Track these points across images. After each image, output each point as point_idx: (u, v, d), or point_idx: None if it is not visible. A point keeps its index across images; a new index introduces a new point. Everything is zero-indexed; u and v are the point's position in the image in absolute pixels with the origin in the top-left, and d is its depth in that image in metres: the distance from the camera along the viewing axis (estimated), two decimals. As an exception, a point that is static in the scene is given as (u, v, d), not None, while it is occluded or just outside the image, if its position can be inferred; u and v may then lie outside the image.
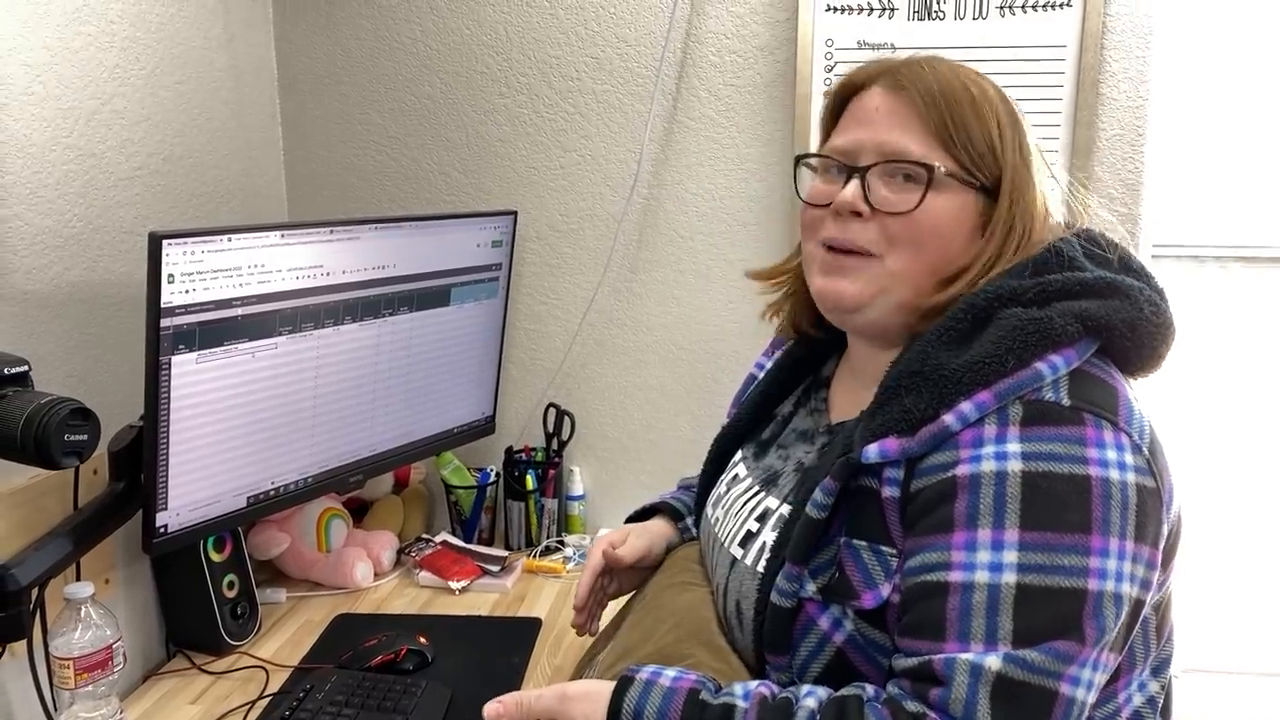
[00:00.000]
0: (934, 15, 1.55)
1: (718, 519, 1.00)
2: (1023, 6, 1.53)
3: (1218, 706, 1.82)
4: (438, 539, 1.69)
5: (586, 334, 1.74)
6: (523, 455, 1.75)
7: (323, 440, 1.41)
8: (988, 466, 0.74)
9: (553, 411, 1.74)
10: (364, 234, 1.37)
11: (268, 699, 1.25)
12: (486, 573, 1.59)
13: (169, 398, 1.16)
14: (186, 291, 1.14)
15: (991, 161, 0.83)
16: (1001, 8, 1.53)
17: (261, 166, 1.69)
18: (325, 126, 1.75)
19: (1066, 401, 0.75)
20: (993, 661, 0.70)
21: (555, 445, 1.74)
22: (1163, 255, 1.84)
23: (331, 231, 1.32)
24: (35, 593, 1.09)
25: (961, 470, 0.75)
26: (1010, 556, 0.72)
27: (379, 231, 1.39)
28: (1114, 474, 0.73)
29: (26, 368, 0.99)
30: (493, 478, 1.74)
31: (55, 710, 1.11)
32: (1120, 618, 0.72)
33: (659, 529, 1.17)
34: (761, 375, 1.09)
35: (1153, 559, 0.74)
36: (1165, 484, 0.77)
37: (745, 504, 0.96)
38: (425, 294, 1.51)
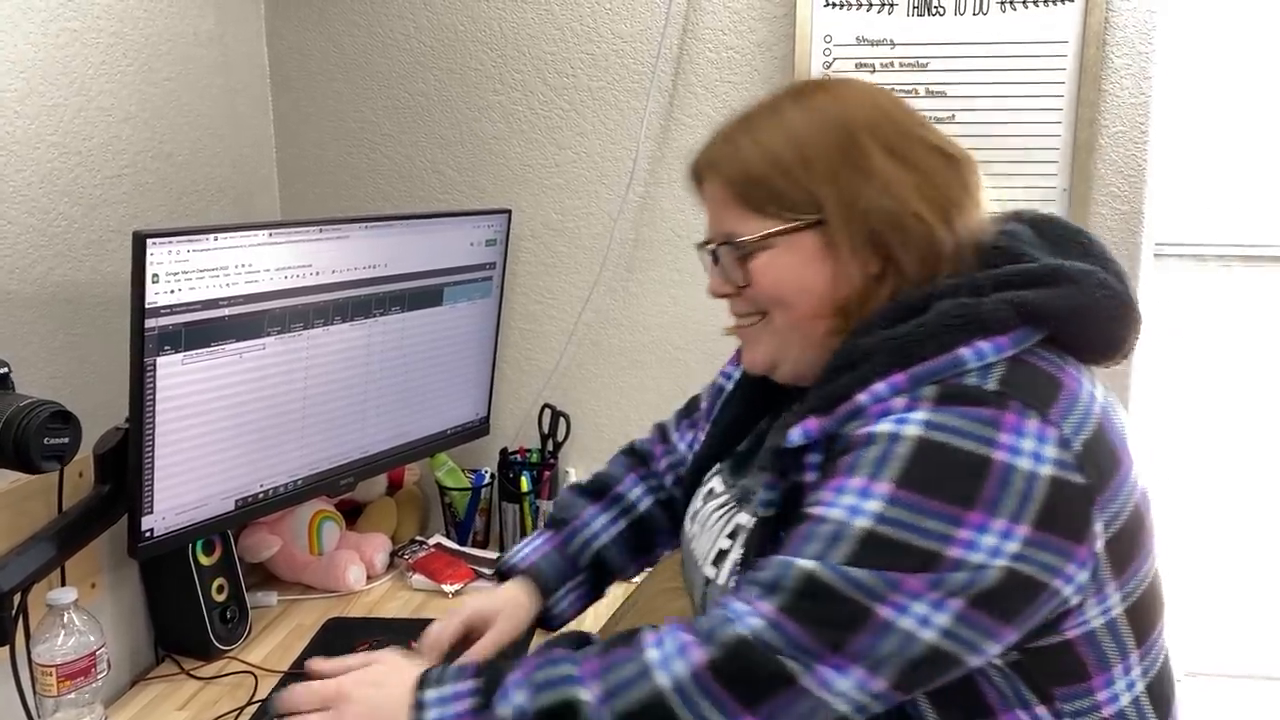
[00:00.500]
0: (934, 11, 1.53)
1: (694, 535, 0.98)
2: (1024, 1, 1.51)
3: (1220, 711, 1.80)
4: (431, 541, 1.67)
5: (582, 334, 1.72)
6: (518, 457, 1.73)
7: (313, 442, 1.40)
8: (884, 427, 0.74)
9: (548, 412, 1.72)
10: (354, 233, 1.35)
11: (256, 705, 1.24)
12: (480, 575, 1.57)
13: (154, 399, 1.14)
14: (172, 291, 1.12)
15: (810, 200, 0.83)
16: (1002, 2, 1.51)
17: (253, 164, 1.67)
18: (318, 124, 1.73)
19: (992, 386, 0.74)
20: (809, 563, 0.72)
21: (550, 446, 1.72)
22: (1165, 254, 1.82)
23: (320, 230, 1.30)
24: (18, 598, 1.07)
25: (860, 431, 0.76)
26: (872, 505, 0.72)
27: (369, 230, 1.37)
28: (1023, 463, 0.71)
29: (5, 369, 0.97)
30: (487, 479, 1.73)
31: (39, 718, 1.09)
32: (983, 586, 0.70)
33: (523, 610, 1.06)
34: (730, 385, 1.06)
35: (1067, 550, 0.73)
36: (1104, 483, 0.75)
37: (719, 520, 0.94)
38: (417, 294, 1.49)
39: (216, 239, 1.15)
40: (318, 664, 0.90)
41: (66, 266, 1.23)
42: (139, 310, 1.09)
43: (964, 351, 0.75)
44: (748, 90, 1.61)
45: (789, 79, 1.58)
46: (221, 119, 1.57)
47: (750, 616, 0.73)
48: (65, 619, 1.05)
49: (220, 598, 1.37)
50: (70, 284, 1.23)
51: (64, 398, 1.05)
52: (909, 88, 1.56)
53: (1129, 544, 0.77)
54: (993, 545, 0.70)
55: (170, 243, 1.10)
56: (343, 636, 1.39)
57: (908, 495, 0.72)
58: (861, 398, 0.77)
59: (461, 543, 1.70)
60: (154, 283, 1.09)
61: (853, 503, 0.73)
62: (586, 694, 0.75)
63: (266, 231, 1.22)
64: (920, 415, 0.73)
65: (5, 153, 1.13)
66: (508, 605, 1.05)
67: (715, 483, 0.99)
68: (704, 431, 1.06)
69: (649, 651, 0.75)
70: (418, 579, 1.58)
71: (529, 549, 1.11)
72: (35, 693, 1.07)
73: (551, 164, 1.68)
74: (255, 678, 1.30)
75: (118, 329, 1.27)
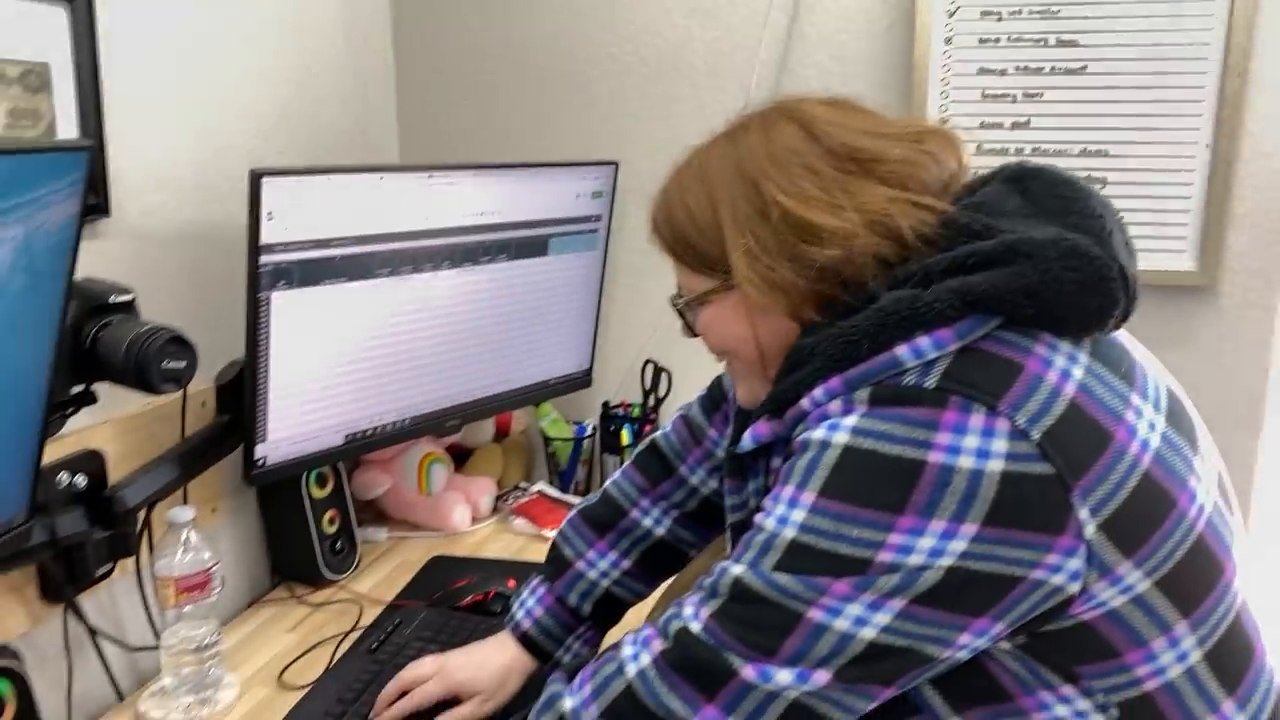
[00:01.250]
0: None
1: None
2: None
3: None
4: (534, 488, 1.71)
5: (688, 289, 1.71)
6: (619, 410, 1.74)
7: (420, 383, 1.44)
8: (818, 434, 0.73)
9: (650, 368, 1.72)
10: (463, 180, 1.37)
11: (360, 631, 1.29)
12: (579, 524, 1.59)
13: (268, 333, 1.19)
14: (286, 229, 1.17)
15: (727, 260, 0.83)
16: (1144, -56, 1.41)
17: (374, 116, 1.72)
18: (437, 77, 1.76)
19: (932, 384, 0.70)
20: (740, 569, 0.74)
21: (652, 402, 1.73)
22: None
23: (430, 176, 1.33)
24: (142, 515, 1.15)
25: (800, 437, 0.75)
26: (798, 515, 0.72)
27: (478, 177, 1.40)
28: (964, 461, 0.68)
29: (131, 296, 1.04)
30: (589, 431, 1.75)
31: (159, 626, 1.16)
32: (927, 585, 0.68)
33: (506, 689, 1.07)
34: None
35: (1039, 542, 0.68)
36: (1082, 466, 0.69)
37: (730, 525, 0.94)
38: (523, 243, 1.51)
39: (330, 179, 1.19)
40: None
41: (193, 207, 1.29)
42: (254, 246, 1.14)
43: (901, 350, 0.72)
44: (865, 41, 1.56)
45: (910, 26, 1.52)
46: (344, 72, 1.62)
47: (692, 620, 0.76)
48: (184, 536, 1.12)
49: (331, 529, 1.43)
50: (197, 223, 1.30)
51: (189, 330, 1.11)
52: (1038, 37, 1.48)
53: (1138, 520, 0.71)
54: (932, 546, 0.68)
55: (284, 181, 1.14)
56: (446, 573, 1.43)
57: (831, 505, 0.71)
58: (804, 402, 0.77)
59: (563, 491, 1.73)
60: (269, 220, 1.14)
61: (782, 512, 0.73)
62: (570, 701, 0.81)
63: (379, 175, 1.26)
64: (851, 421, 0.71)
65: (135, 102, 1.20)
66: (492, 683, 1.06)
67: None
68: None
69: (624, 649, 0.81)
70: (520, 523, 1.61)
71: (525, 606, 1.10)
72: (157, 603, 1.15)
73: (661, 116, 1.67)
74: (361, 606, 1.36)
75: (240, 268, 1.34)
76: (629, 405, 1.75)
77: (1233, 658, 0.76)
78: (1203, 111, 1.45)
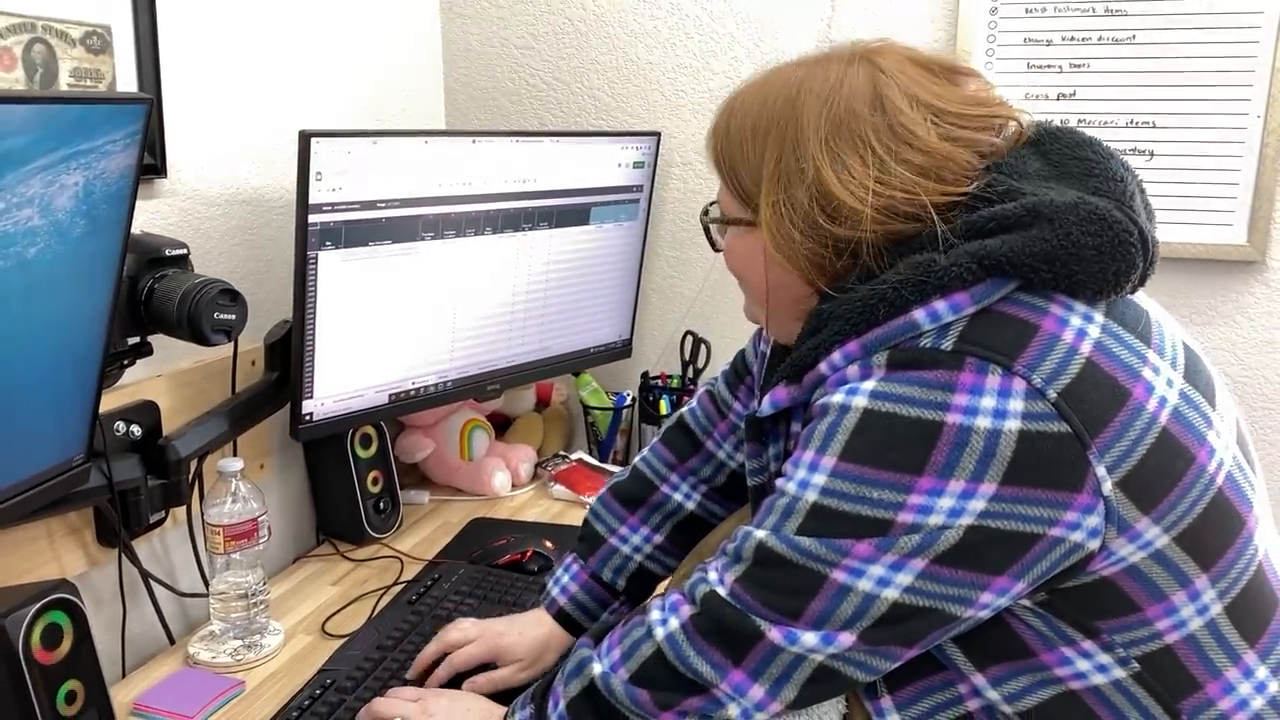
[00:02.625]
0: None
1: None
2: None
3: None
4: (574, 456, 1.73)
5: (728, 261, 1.72)
6: (658, 381, 1.75)
7: (462, 347, 1.47)
8: (837, 398, 0.74)
9: (689, 339, 1.74)
10: (506, 145, 1.40)
11: (400, 586, 1.32)
12: (616, 490, 1.61)
13: (316, 292, 1.23)
14: (333, 190, 1.20)
15: (755, 198, 0.82)
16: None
17: (421, 87, 1.75)
18: (482, 49, 1.79)
19: (949, 346, 0.71)
20: (762, 533, 0.76)
21: (691, 373, 1.74)
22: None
23: (474, 141, 1.35)
24: (194, 465, 1.19)
25: (819, 401, 0.76)
26: (818, 479, 0.74)
27: (521, 145, 1.42)
28: (982, 421, 0.68)
29: (186, 250, 1.07)
30: (628, 401, 1.76)
31: (209, 575, 1.21)
32: (947, 545, 0.70)
33: (544, 662, 1.07)
34: (767, 349, 1.01)
35: (1057, 500, 0.69)
36: (1099, 424, 0.69)
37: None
38: (565, 211, 1.53)
39: (376, 142, 1.22)
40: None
41: (245, 171, 1.33)
42: (303, 205, 1.17)
43: (918, 314, 0.73)
44: (909, 13, 1.55)
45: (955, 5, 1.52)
46: (391, 43, 1.65)
47: (718, 584, 0.78)
48: (233, 486, 1.16)
49: (375, 489, 1.47)
50: (249, 187, 1.34)
51: (239, 289, 1.15)
52: (1085, 5, 1.47)
53: (1157, 476, 0.71)
54: (951, 506, 0.69)
55: (333, 142, 1.17)
56: (485, 533, 1.46)
57: (852, 468, 0.72)
58: (822, 367, 0.78)
59: (602, 460, 1.75)
60: (317, 180, 1.17)
61: (803, 476, 0.75)
62: (599, 666, 0.83)
63: (424, 139, 1.29)
64: (869, 384, 0.73)
65: (191, 65, 1.24)
66: (531, 653, 1.06)
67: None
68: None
69: (653, 614, 0.82)
70: (559, 489, 1.64)
71: (561, 584, 1.11)
72: (206, 550, 1.19)
73: (704, 89, 1.68)
74: (402, 563, 1.40)
75: (288, 229, 1.37)
76: (668, 376, 1.76)
77: (1255, 610, 0.76)
78: (1254, 82, 1.42)
